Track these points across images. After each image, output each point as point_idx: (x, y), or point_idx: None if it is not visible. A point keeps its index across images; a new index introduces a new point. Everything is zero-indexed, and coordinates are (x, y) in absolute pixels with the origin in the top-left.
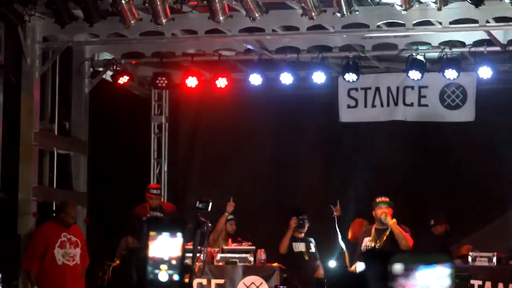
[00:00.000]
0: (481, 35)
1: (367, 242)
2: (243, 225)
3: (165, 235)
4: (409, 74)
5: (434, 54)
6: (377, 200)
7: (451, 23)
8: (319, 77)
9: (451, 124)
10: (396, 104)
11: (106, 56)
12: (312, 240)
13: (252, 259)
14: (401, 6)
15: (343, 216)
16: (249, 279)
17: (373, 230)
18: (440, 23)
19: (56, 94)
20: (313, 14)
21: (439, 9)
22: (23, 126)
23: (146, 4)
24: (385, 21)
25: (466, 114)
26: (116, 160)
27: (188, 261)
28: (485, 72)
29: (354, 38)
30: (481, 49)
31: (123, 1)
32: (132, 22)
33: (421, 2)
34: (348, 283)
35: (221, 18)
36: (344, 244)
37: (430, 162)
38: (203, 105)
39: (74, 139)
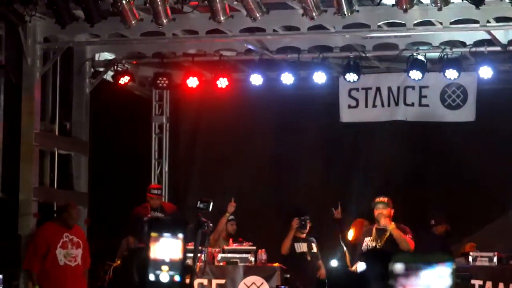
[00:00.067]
0: (481, 35)
1: (368, 242)
2: (244, 225)
3: (166, 236)
4: (409, 74)
5: (435, 54)
6: (375, 200)
7: (451, 23)
8: (319, 77)
9: (452, 124)
10: (396, 104)
11: (107, 56)
12: (314, 240)
13: (253, 259)
14: (401, 6)
15: (343, 217)
16: (250, 279)
17: (374, 230)
18: (441, 23)
19: (57, 94)
20: (313, 14)
21: (440, 9)
22: (23, 127)
23: (147, 4)
24: (385, 21)
25: (466, 114)
26: (117, 160)
27: (189, 261)
28: (486, 72)
29: (354, 38)
30: (482, 49)
31: (124, 1)
32: (133, 22)
33: (421, 2)
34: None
35: (222, 18)
36: (344, 244)
37: (430, 162)
38: (204, 105)
39: (75, 139)
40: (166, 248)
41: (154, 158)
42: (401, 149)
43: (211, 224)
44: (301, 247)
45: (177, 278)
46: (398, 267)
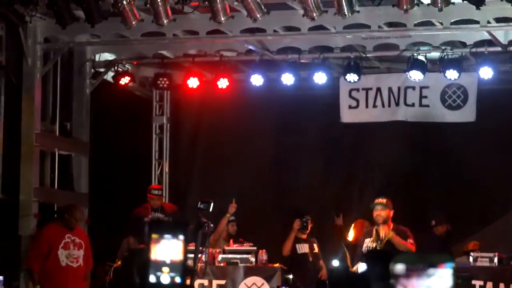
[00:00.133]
0: (482, 35)
1: (368, 243)
2: (245, 225)
3: (167, 238)
4: (410, 75)
5: (435, 55)
6: (374, 201)
7: (452, 23)
8: (320, 78)
9: (452, 124)
10: (397, 104)
11: (108, 57)
12: (315, 240)
13: (253, 259)
14: (402, 6)
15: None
16: (251, 279)
17: (374, 231)
18: (441, 24)
19: (57, 95)
20: (314, 14)
21: (440, 9)
22: (24, 127)
23: (148, 5)
24: (386, 22)
25: (467, 114)
26: (118, 161)
27: (189, 262)
28: (486, 72)
29: (355, 39)
30: (482, 49)
31: (124, 2)
32: (134, 22)
33: (422, 3)
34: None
35: (222, 18)
36: (344, 245)
37: (431, 162)
38: (205, 106)
39: (75, 140)
40: (167, 249)
41: (155, 159)
42: (402, 149)
43: (211, 225)
44: (303, 248)
45: (178, 279)
46: (399, 267)
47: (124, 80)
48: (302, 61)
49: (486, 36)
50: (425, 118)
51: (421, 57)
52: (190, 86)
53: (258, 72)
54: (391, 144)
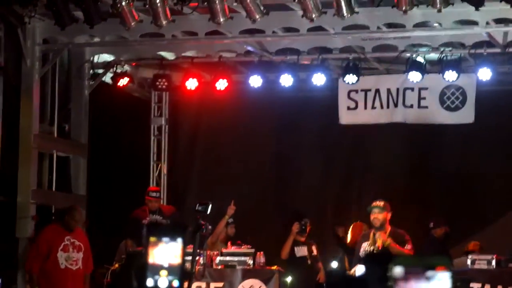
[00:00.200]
0: (480, 36)
1: (365, 247)
2: (243, 227)
3: (165, 241)
4: (409, 76)
5: (434, 56)
6: (372, 204)
7: (451, 24)
8: (319, 79)
9: (451, 126)
10: (396, 106)
11: (106, 58)
12: (314, 243)
13: (251, 262)
14: (401, 7)
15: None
16: (248, 282)
17: (371, 234)
18: (440, 25)
19: (56, 96)
20: (313, 15)
21: (439, 10)
22: (22, 129)
23: (147, 6)
24: (385, 23)
25: (465, 115)
26: (116, 162)
27: (187, 264)
28: (485, 73)
29: (354, 40)
30: (481, 50)
31: (123, 3)
32: (133, 23)
33: (421, 4)
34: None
35: (221, 19)
36: (342, 248)
37: (429, 164)
38: (203, 107)
39: (73, 141)
40: (165, 253)
41: (153, 160)
42: (400, 151)
43: (209, 227)
44: (301, 251)
45: (175, 283)
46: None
47: (123, 81)
48: (301, 62)
49: (485, 37)
50: (423, 120)
51: (420, 58)
52: (188, 87)
53: (257, 73)
54: (389, 146)
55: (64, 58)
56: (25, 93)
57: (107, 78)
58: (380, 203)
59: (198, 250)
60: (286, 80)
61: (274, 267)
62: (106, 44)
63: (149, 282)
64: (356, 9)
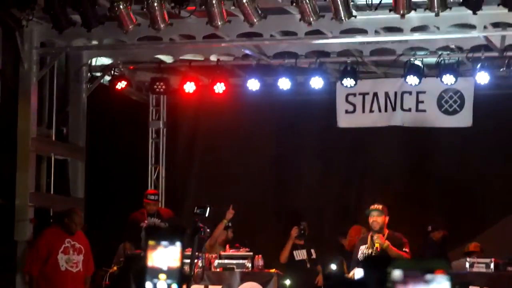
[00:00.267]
0: (478, 40)
1: (363, 250)
2: (241, 230)
3: (164, 244)
4: (407, 80)
5: (432, 60)
6: (370, 207)
7: (448, 28)
8: (317, 82)
9: (449, 129)
10: (394, 109)
11: (104, 61)
12: (313, 246)
13: (249, 265)
14: (399, 11)
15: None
16: (247, 285)
17: (369, 237)
18: (438, 29)
19: (54, 99)
20: (311, 19)
21: (437, 14)
22: (20, 132)
23: (144, 9)
24: (383, 26)
25: (463, 119)
26: (114, 165)
27: (186, 267)
28: (483, 77)
29: (352, 44)
30: (479, 54)
31: (121, 6)
32: (130, 27)
33: (419, 8)
34: None
35: (219, 23)
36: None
37: (427, 168)
38: (201, 110)
39: (71, 144)
40: (164, 256)
41: (151, 163)
42: (398, 154)
43: (208, 230)
44: (300, 254)
45: (174, 286)
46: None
47: (121, 85)
48: (299, 65)
49: (483, 41)
50: (421, 123)
51: (417, 62)
52: (186, 90)
53: (255, 76)
54: (388, 149)
55: (62, 61)
56: (23, 96)
57: (105, 81)
58: (379, 206)
59: (196, 253)
60: (284, 83)
61: (273, 270)
62: (104, 48)
63: (148, 285)
64: (354, 13)
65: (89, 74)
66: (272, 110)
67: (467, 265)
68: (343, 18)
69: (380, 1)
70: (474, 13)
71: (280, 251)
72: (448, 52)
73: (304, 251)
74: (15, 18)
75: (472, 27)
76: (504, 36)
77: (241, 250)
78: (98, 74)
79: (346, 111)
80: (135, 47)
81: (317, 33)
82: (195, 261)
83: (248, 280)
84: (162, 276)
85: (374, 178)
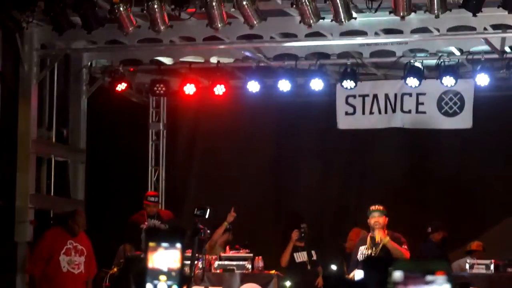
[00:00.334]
0: (478, 42)
1: (363, 251)
2: (241, 232)
3: (164, 246)
4: (407, 81)
5: (432, 61)
6: (371, 208)
7: (448, 30)
8: (317, 84)
9: (449, 131)
10: (394, 111)
11: (104, 63)
12: (313, 247)
13: (249, 266)
14: (399, 13)
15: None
16: (247, 286)
17: (368, 238)
18: (438, 30)
19: (54, 101)
20: (311, 21)
21: (437, 16)
22: (20, 133)
23: (144, 11)
24: (383, 28)
25: (463, 121)
26: (114, 167)
27: (186, 269)
28: (483, 79)
29: (352, 45)
30: (479, 56)
31: (121, 8)
32: (130, 29)
33: (419, 9)
34: None
35: (219, 25)
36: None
37: (427, 169)
38: (201, 112)
39: (71, 146)
40: (164, 257)
41: (151, 165)
42: (398, 156)
43: (208, 231)
44: (301, 256)
45: None
46: (397, 274)
47: (121, 87)
48: (299, 67)
49: (483, 43)
50: (421, 125)
51: (417, 64)
52: (186, 92)
53: (255, 78)
54: (388, 151)
55: (62, 63)
56: (23, 98)
57: (105, 83)
58: (380, 207)
59: (196, 254)
60: (284, 85)
61: (273, 272)
62: (104, 50)
63: (149, 286)
64: (354, 15)
65: (89, 76)
66: (272, 112)
67: (467, 266)
68: (343, 20)
69: (380, 3)
70: (474, 15)
71: (280, 252)
72: (448, 54)
73: (304, 253)
74: (16, 20)
75: (472, 29)
76: (504, 38)
77: (241, 251)
78: (98, 76)
79: (346, 113)
80: (135, 49)
81: (317, 35)
82: (195, 262)
83: (248, 282)
84: (163, 278)
85: (374, 180)
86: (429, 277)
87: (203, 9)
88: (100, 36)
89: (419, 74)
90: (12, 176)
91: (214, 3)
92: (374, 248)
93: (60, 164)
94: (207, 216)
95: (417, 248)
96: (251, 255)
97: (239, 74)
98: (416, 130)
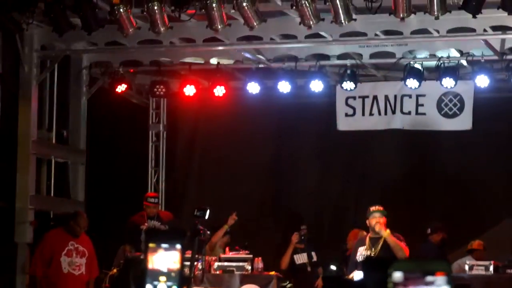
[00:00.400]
0: (478, 43)
1: (362, 251)
2: (241, 233)
3: (164, 247)
4: (406, 83)
5: (432, 63)
6: (371, 209)
7: (448, 31)
8: (317, 86)
9: (449, 132)
10: (393, 112)
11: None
12: (313, 248)
13: (249, 267)
14: (398, 14)
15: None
16: (247, 287)
17: (367, 239)
18: (438, 32)
19: (54, 102)
20: (311, 22)
21: (437, 18)
22: (20, 134)
23: (144, 13)
24: (382, 30)
25: (463, 122)
26: (114, 168)
27: (186, 269)
28: (482, 80)
29: (351, 47)
30: (479, 57)
31: (121, 10)
32: (130, 30)
33: (419, 11)
34: None
35: (219, 26)
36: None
37: (427, 171)
38: (201, 114)
39: (72, 147)
40: (164, 258)
41: (151, 166)
42: (398, 157)
43: (208, 232)
44: (301, 258)
45: None
46: (397, 275)
47: (121, 88)
48: (299, 69)
49: (482, 45)
50: (421, 126)
51: (417, 65)
52: (186, 93)
53: (255, 80)
54: (387, 152)
55: (62, 64)
56: (23, 99)
57: (105, 84)
58: (381, 208)
59: (196, 255)
60: (284, 86)
61: (272, 273)
62: (104, 51)
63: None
64: (354, 16)
65: (89, 77)
66: (272, 113)
67: (467, 267)
68: (343, 21)
69: (380, 4)
70: (474, 16)
71: (279, 254)
72: (448, 55)
73: (304, 255)
74: (16, 21)
75: (471, 30)
76: (503, 40)
77: (240, 252)
78: (98, 77)
79: (346, 114)
80: (135, 50)
81: (317, 36)
82: (195, 263)
83: (248, 283)
84: (162, 279)
85: (373, 181)
86: (429, 278)
87: (203, 10)
88: (100, 37)
89: (419, 75)
90: (12, 177)
91: (214, 5)
92: (373, 249)
93: (60, 165)
94: (207, 217)
95: (417, 249)
96: (251, 256)
97: (239, 75)
98: (416, 132)
